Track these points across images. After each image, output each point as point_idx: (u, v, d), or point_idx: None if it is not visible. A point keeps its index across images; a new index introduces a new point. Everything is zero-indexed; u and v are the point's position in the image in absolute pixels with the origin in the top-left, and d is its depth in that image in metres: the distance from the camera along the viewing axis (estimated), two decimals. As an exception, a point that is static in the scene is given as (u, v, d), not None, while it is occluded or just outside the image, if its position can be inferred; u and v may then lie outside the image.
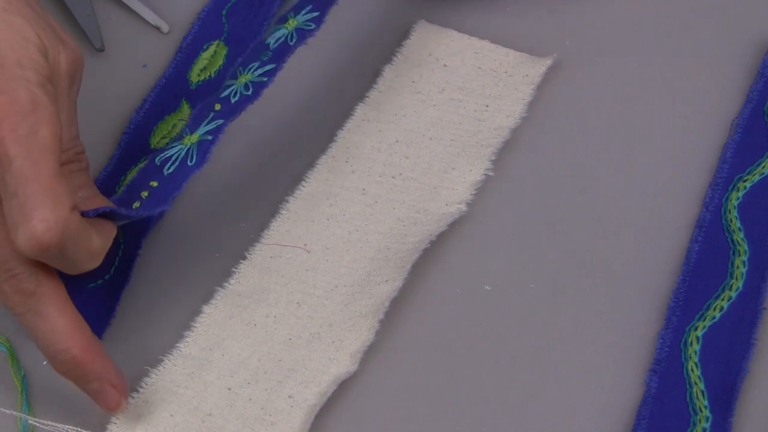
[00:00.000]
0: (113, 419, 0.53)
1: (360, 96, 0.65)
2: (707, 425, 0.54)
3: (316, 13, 0.60)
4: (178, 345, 0.56)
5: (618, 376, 0.56)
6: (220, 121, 0.55)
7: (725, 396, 0.55)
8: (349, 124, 0.64)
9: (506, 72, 0.66)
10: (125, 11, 0.68)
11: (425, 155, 0.63)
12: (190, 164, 0.54)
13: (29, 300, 0.50)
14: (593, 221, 0.61)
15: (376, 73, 0.66)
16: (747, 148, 0.63)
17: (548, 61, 0.66)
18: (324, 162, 0.62)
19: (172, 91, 0.65)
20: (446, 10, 0.69)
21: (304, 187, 0.61)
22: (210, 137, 0.55)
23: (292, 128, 0.64)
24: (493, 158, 0.63)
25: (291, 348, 0.56)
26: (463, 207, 0.61)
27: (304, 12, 0.60)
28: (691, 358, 0.56)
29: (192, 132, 0.55)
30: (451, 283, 0.59)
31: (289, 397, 0.54)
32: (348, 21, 0.69)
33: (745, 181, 0.62)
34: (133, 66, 0.66)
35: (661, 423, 0.54)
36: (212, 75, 0.66)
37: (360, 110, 0.65)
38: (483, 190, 0.62)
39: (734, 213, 0.60)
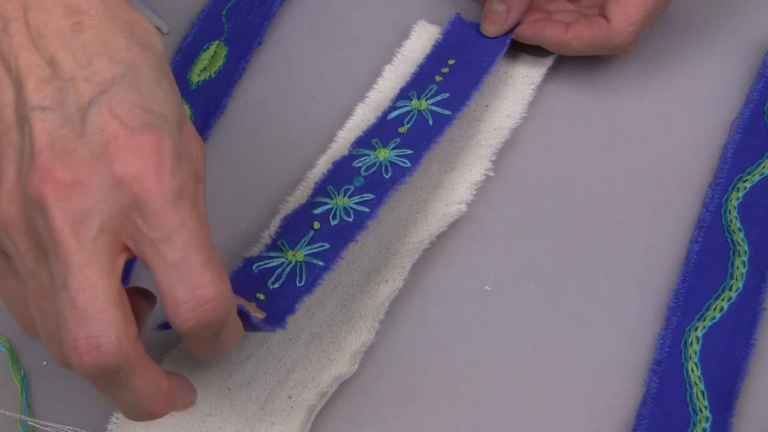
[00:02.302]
0: (113, 419, 0.53)
1: (360, 96, 0.65)
2: (707, 425, 0.54)
3: (446, 95, 0.61)
4: (178, 345, 0.56)
5: (618, 376, 0.56)
6: (326, 245, 0.54)
7: (725, 396, 0.55)
8: (349, 124, 0.64)
9: (506, 72, 0.66)
10: (125, 11, 0.68)
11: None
12: (299, 285, 0.53)
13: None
14: (593, 221, 0.61)
15: (376, 73, 0.66)
16: (747, 148, 0.63)
17: (548, 62, 0.66)
18: (324, 162, 0.62)
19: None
20: (446, 10, 0.69)
21: (303, 187, 0.61)
22: (321, 263, 0.53)
23: (292, 128, 0.64)
24: (493, 158, 0.63)
25: (290, 348, 0.56)
26: (463, 207, 0.61)
27: (435, 96, 0.61)
28: (691, 358, 0.56)
29: (292, 247, 0.54)
30: (451, 283, 0.59)
31: (289, 397, 0.54)
32: (348, 21, 0.69)
33: (745, 181, 0.62)
34: (133, 66, 0.66)
35: (661, 423, 0.54)
36: (212, 75, 0.66)
37: (360, 110, 0.65)
38: (483, 190, 0.62)
39: (734, 213, 0.60)
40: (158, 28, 0.68)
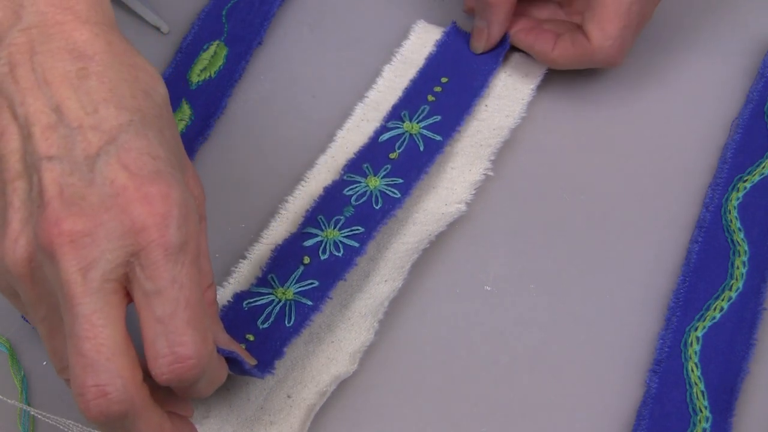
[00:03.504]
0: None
1: (360, 96, 0.65)
2: (707, 425, 0.54)
3: (437, 118, 0.62)
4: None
5: (618, 376, 0.56)
6: (315, 283, 0.55)
7: (725, 396, 0.55)
8: (349, 124, 0.64)
9: (506, 72, 0.66)
10: (125, 11, 0.68)
11: (425, 155, 0.63)
12: (288, 325, 0.53)
13: None
14: (593, 221, 0.61)
15: (376, 73, 0.66)
16: (747, 148, 0.63)
17: (548, 62, 0.66)
18: (324, 162, 0.62)
19: (172, 91, 0.65)
20: (446, 10, 0.69)
21: (303, 187, 0.61)
22: (310, 303, 0.54)
23: (292, 128, 0.64)
24: (492, 158, 0.63)
25: (290, 348, 0.56)
26: (463, 207, 0.61)
27: (427, 119, 0.62)
28: (691, 358, 0.56)
29: (282, 284, 0.55)
30: (451, 283, 0.59)
31: (288, 396, 0.54)
32: (348, 21, 0.69)
33: (745, 181, 0.62)
34: (133, 66, 0.66)
35: (661, 423, 0.54)
36: (212, 75, 0.66)
37: (360, 110, 0.65)
38: (483, 190, 0.62)
39: (734, 213, 0.60)
40: (158, 28, 0.68)
